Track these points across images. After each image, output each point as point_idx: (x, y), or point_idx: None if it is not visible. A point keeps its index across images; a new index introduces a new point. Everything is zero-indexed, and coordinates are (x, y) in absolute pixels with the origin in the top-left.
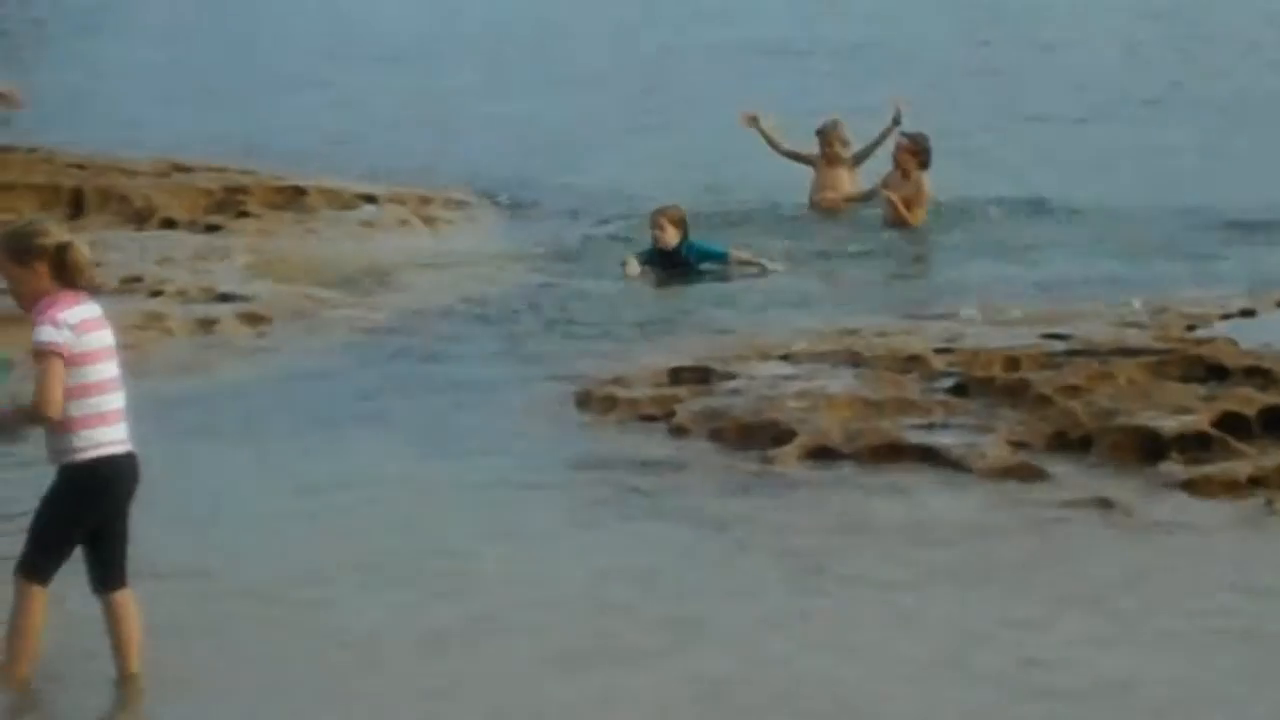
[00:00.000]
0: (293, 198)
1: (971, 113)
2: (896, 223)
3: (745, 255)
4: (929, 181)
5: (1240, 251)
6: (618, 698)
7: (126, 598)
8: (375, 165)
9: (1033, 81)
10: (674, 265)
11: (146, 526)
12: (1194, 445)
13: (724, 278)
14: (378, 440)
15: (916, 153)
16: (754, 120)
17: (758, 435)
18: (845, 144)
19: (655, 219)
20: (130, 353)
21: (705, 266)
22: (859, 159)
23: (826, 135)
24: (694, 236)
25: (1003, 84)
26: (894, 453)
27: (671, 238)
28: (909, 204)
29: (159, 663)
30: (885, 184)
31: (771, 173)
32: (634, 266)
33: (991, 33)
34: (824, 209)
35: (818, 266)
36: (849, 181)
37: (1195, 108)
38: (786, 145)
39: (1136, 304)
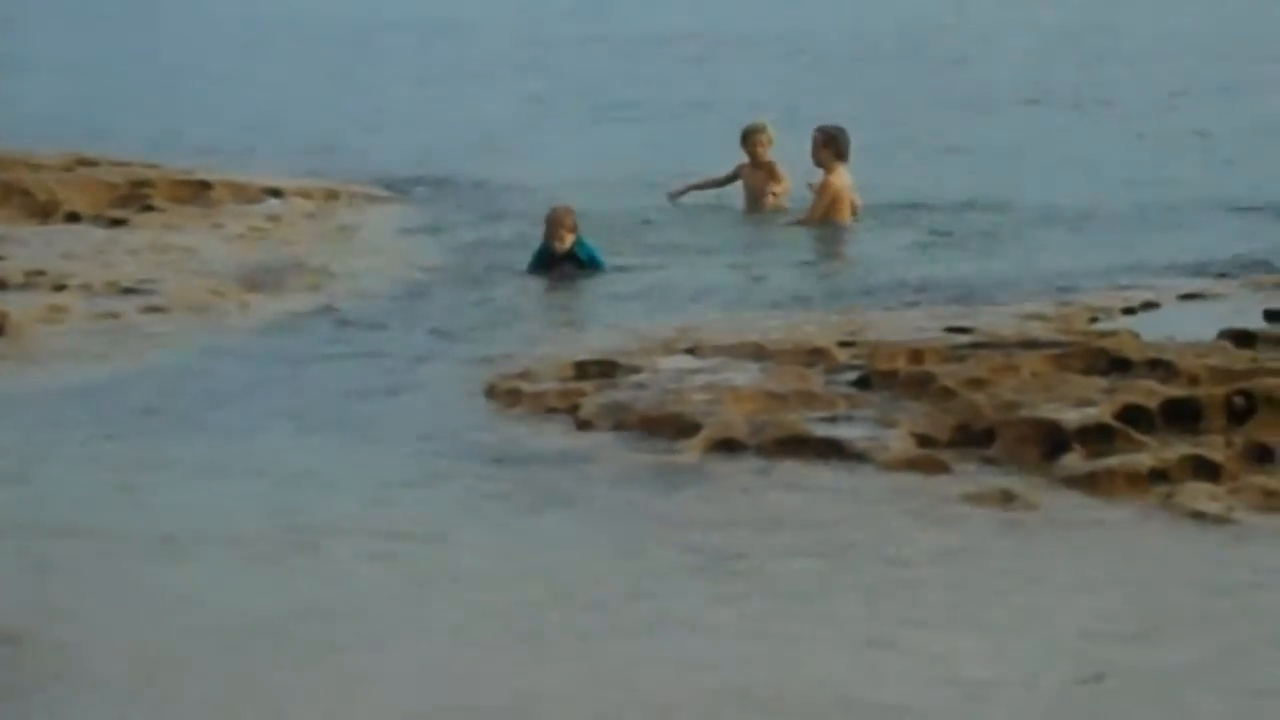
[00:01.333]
0: (198, 191)
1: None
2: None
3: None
4: (847, 177)
5: (1145, 242)
6: (525, 689)
7: None
8: (287, 159)
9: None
10: (564, 264)
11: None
12: (1096, 437)
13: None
14: (274, 431)
15: (829, 145)
16: (679, 194)
17: (663, 428)
18: (768, 145)
19: (555, 226)
20: (31, 345)
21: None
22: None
23: (752, 138)
24: (589, 237)
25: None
26: (798, 445)
27: (565, 242)
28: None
29: None
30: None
31: (694, 169)
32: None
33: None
34: (766, 210)
35: (723, 261)
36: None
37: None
38: (706, 179)
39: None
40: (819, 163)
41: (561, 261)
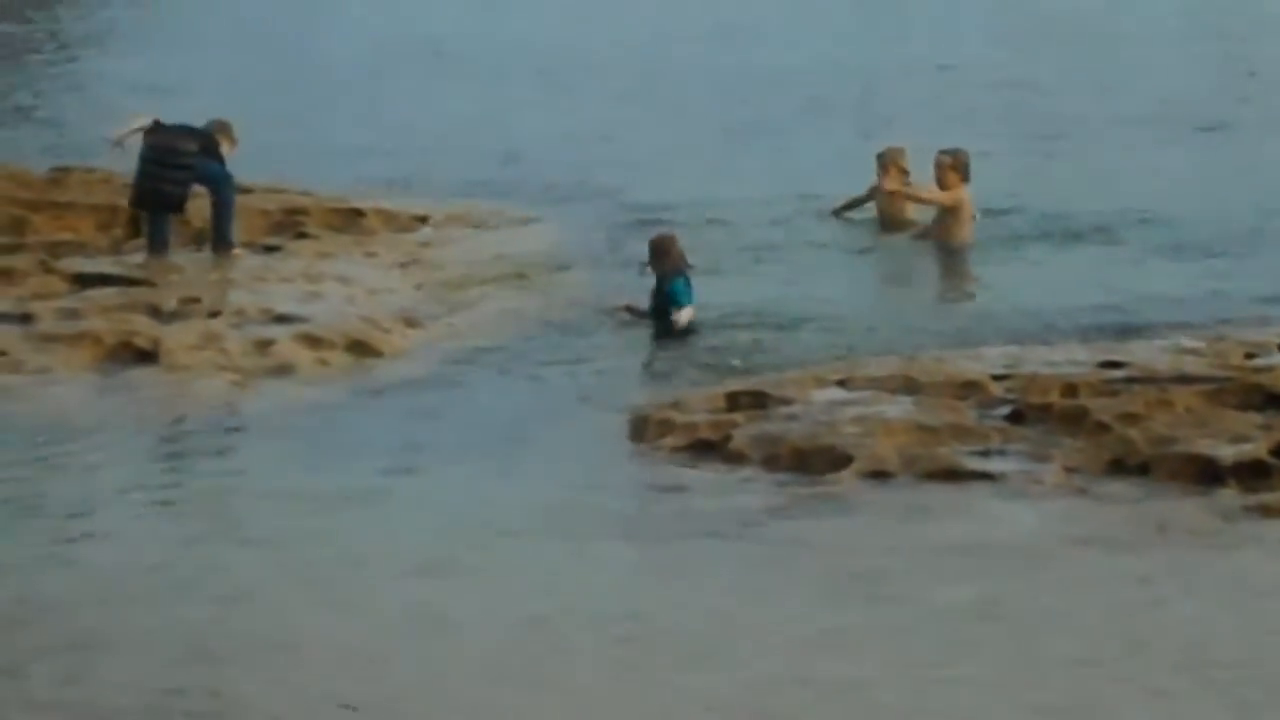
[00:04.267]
0: (351, 219)
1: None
2: (942, 237)
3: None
4: (970, 197)
5: None
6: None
7: None
8: (433, 181)
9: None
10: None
11: None
12: (1251, 473)
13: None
14: (430, 465)
15: (956, 167)
16: (840, 211)
17: (814, 460)
18: (904, 171)
19: (653, 253)
20: (184, 373)
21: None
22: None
23: (887, 161)
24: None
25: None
26: (951, 479)
27: (662, 266)
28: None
29: None
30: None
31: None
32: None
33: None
34: (894, 227)
35: (868, 289)
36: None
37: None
38: (845, 201)
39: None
40: (943, 184)
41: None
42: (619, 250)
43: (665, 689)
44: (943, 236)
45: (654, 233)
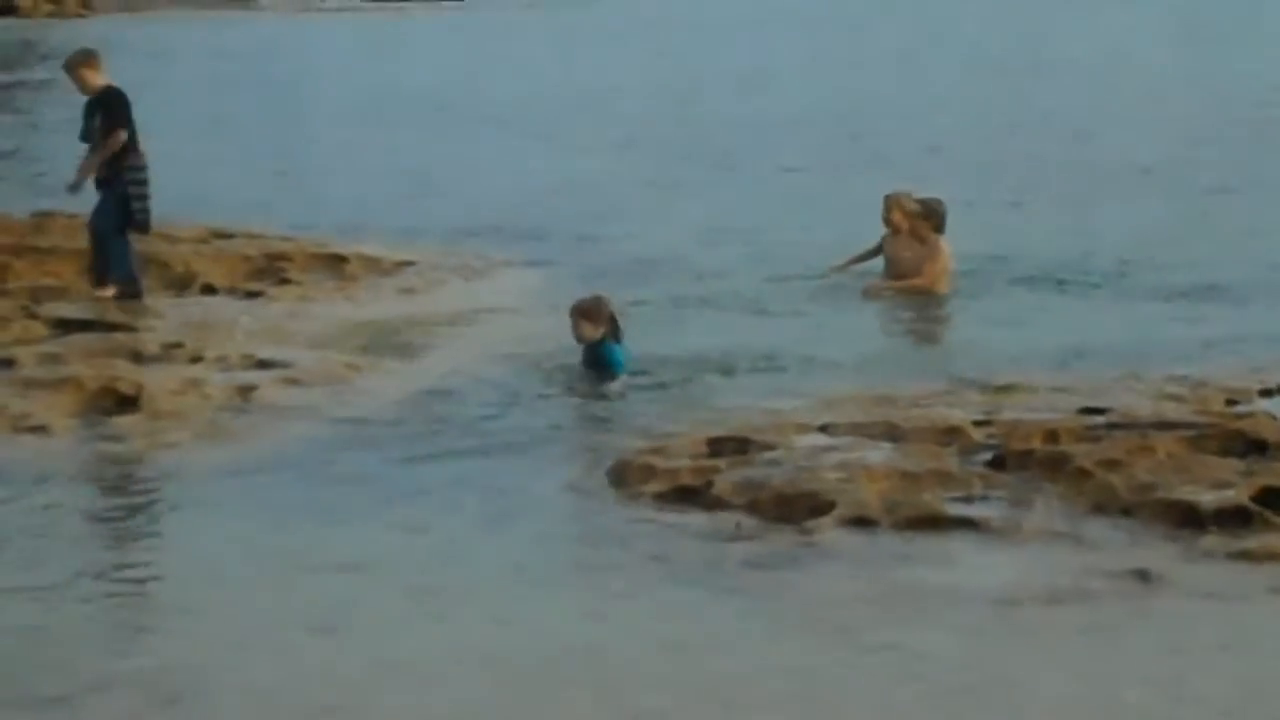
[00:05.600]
0: (333, 264)
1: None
2: (914, 290)
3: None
4: (947, 247)
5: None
6: None
7: None
8: (413, 226)
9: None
10: (593, 362)
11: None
12: (1233, 520)
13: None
14: (409, 513)
15: (929, 217)
16: (840, 269)
17: (796, 506)
18: (908, 215)
19: (575, 317)
20: (169, 419)
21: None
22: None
23: (887, 208)
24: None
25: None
26: (933, 525)
27: (588, 332)
28: (928, 273)
29: None
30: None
31: (809, 238)
32: None
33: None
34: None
35: (844, 333)
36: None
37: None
38: (859, 253)
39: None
40: (915, 235)
41: (590, 354)
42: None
43: None
44: (928, 286)
45: (582, 298)
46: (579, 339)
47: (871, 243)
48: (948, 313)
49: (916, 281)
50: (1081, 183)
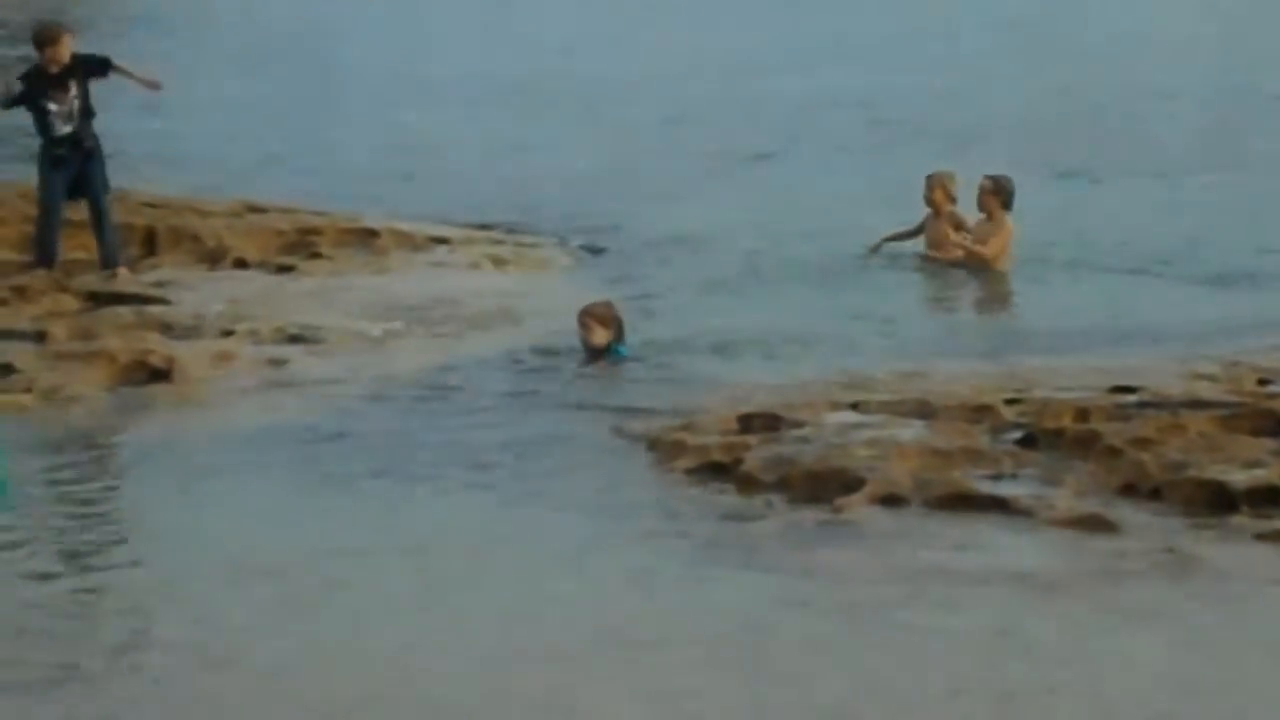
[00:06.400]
0: (365, 239)
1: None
2: (975, 264)
3: None
4: (1011, 223)
5: None
6: None
7: None
8: (450, 207)
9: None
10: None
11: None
12: (1264, 500)
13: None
14: (443, 488)
15: (998, 193)
16: (876, 247)
17: (826, 483)
18: (951, 197)
19: (581, 317)
20: (201, 391)
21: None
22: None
23: (932, 184)
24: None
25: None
26: (963, 502)
27: (599, 337)
28: (993, 245)
29: None
30: (963, 227)
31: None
32: None
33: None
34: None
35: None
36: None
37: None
38: (899, 230)
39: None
40: (984, 209)
41: (598, 357)
42: (628, 278)
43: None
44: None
45: (593, 302)
46: (587, 343)
47: (913, 223)
48: (995, 291)
49: (980, 249)
50: (1127, 163)
